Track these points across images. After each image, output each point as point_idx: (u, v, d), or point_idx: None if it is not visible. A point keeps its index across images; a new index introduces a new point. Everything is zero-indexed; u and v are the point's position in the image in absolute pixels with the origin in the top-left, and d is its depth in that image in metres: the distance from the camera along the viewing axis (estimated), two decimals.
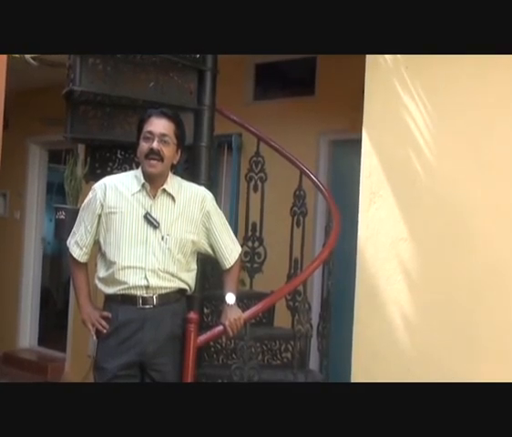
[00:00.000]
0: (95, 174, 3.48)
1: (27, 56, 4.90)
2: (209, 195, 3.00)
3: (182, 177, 3.01)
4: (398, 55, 3.19)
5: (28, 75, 5.39)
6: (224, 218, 3.06)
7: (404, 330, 3.16)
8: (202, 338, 3.01)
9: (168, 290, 2.87)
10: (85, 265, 2.98)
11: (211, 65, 3.52)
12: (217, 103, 3.59)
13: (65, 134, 3.39)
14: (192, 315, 2.94)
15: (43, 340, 7.10)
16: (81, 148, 3.86)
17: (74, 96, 3.26)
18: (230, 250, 3.02)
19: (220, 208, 3.08)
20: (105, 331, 2.86)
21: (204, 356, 3.47)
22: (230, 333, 2.97)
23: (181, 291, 2.94)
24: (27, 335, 7.03)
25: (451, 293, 3.04)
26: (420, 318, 3.12)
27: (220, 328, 2.98)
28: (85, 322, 2.92)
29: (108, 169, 3.48)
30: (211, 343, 3.45)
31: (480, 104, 3.01)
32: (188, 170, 3.38)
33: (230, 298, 2.96)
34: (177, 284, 2.90)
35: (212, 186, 3.43)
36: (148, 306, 2.84)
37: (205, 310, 3.54)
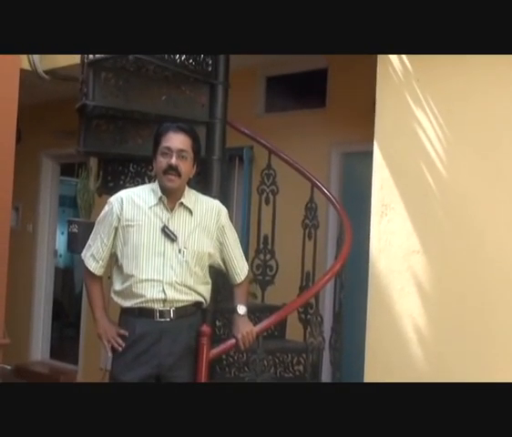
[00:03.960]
0: (107, 187, 3.50)
1: (40, 70, 4.96)
2: (224, 209, 3.01)
3: (194, 190, 3.01)
4: (409, 68, 3.20)
5: (41, 89, 5.45)
6: (236, 233, 3.07)
7: (416, 342, 3.15)
8: (215, 351, 3.01)
9: (185, 303, 2.88)
10: (100, 278, 2.97)
11: (223, 78, 3.54)
12: (228, 116, 3.61)
13: (78, 148, 3.42)
14: (205, 328, 2.94)
15: (55, 352, 7.11)
16: (93, 162, 3.89)
17: (87, 110, 3.29)
18: (242, 266, 3.04)
19: (231, 220, 3.10)
20: (120, 349, 2.85)
21: (216, 369, 3.46)
22: (242, 347, 2.98)
23: (197, 304, 2.94)
24: (39, 348, 7.04)
25: (464, 305, 3.03)
26: (433, 330, 3.11)
27: (233, 341, 2.98)
28: (100, 337, 2.91)
29: (121, 183, 3.49)
30: (223, 356, 3.45)
31: (492, 116, 3.01)
32: (200, 183, 3.39)
33: (241, 308, 2.98)
34: (194, 297, 2.90)
35: (224, 199, 3.44)
36: (165, 319, 2.84)
37: (217, 323, 3.53)
